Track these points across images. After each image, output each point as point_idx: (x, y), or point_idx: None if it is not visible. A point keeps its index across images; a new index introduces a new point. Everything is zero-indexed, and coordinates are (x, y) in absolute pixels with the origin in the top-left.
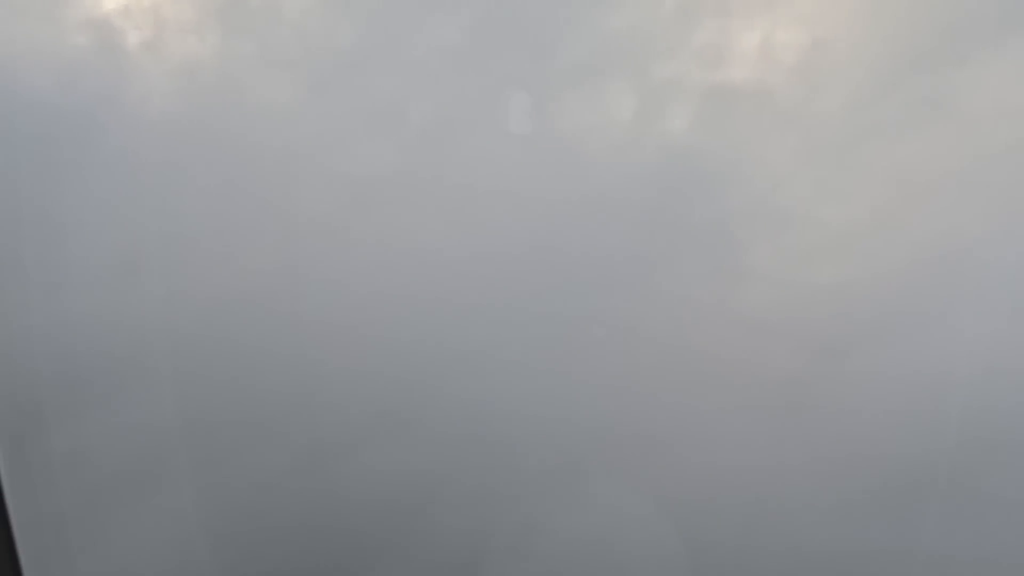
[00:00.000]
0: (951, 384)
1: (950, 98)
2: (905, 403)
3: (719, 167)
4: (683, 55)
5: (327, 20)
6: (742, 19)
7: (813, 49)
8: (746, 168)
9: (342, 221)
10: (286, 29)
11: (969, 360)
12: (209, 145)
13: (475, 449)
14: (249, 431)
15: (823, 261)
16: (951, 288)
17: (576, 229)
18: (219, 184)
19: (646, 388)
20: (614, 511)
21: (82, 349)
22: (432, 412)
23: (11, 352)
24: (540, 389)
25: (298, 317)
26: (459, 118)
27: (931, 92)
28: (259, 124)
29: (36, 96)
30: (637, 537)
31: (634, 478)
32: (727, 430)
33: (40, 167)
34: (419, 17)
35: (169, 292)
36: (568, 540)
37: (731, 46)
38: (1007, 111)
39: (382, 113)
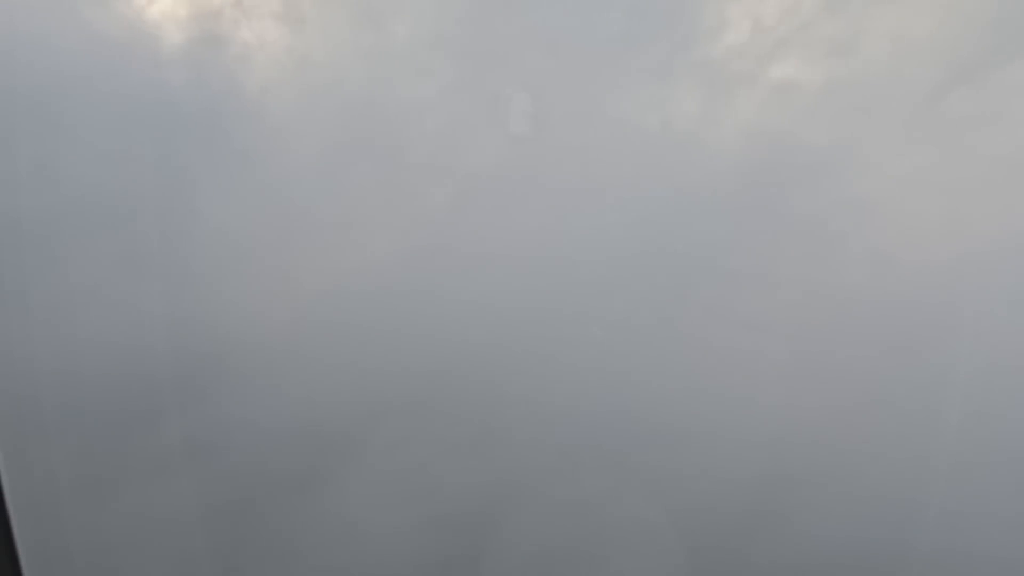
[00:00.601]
0: None
1: None
2: (1006, 391)
3: (818, 159)
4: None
5: (446, 14)
6: (838, 13)
7: (908, 40)
8: (844, 159)
9: (460, 216)
10: (404, 25)
11: None
12: (329, 141)
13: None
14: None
15: (919, 250)
16: None
17: (681, 222)
18: (343, 179)
19: (753, 381)
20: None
21: (203, 341)
22: (548, 413)
23: (165, 341)
24: (658, 380)
25: (417, 312)
26: (576, 112)
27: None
28: (381, 119)
29: (158, 93)
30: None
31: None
32: (831, 423)
33: (165, 162)
34: (536, 13)
35: (281, 286)
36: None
37: (827, 39)
38: None
39: (500, 107)
